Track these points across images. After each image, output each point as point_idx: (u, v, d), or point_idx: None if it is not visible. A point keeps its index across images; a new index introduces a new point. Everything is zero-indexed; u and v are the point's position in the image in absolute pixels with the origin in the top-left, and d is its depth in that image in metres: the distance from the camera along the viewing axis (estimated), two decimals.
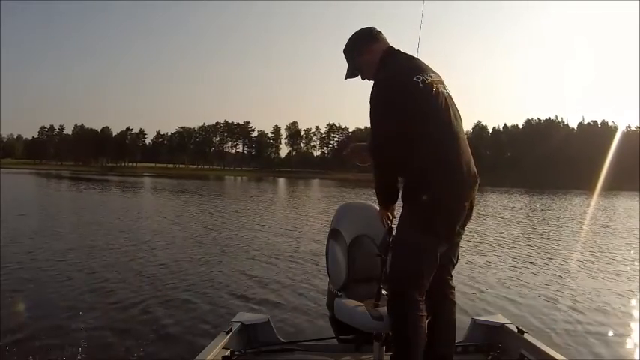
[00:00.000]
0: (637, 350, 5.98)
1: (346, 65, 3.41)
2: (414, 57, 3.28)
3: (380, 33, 3.34)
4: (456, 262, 3.36)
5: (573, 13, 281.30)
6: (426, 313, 3.03)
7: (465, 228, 3.23)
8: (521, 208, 32.37)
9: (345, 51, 3.39)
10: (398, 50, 3.28)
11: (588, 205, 37.50)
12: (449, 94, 3.15)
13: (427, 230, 2.98)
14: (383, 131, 3.04)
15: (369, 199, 4.09)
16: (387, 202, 3.30)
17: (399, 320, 3.03)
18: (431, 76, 3.09)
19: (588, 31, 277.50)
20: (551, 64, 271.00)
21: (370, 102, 3.07)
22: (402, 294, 3.00)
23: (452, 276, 3.37)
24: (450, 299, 3.33)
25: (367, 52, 3.27)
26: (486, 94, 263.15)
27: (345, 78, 3.44)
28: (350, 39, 3.37)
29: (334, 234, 3.84)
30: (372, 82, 3.18)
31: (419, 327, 3.00)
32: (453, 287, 3.39)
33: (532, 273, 10.32)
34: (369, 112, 3.08)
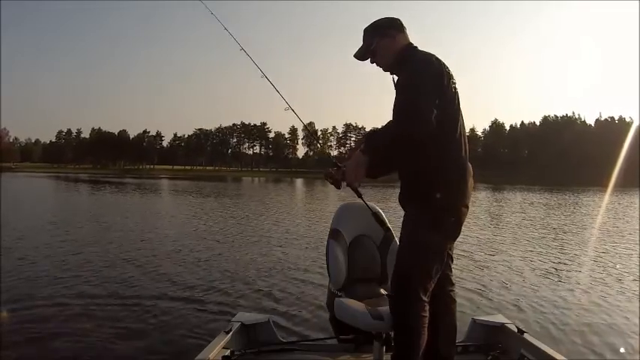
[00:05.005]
0: (638, 350, 5.91)
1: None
2: None
3: (405, 27, 3.31)
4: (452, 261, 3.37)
5: (581, 14, 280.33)
6: (428, 314, 3.04)
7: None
8: (536, 206, 32.15)
9: (366, 29, 3.34)
10: (417, 47, 3.25)
11: (602, 203, 37.08)
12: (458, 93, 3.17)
13: (439, 229, 3.03)
14: (424, 106, 2.85)
15: (369, 198, 4.06)
16: (375, 154, 3.06)
17: (402, 320, 3.04)
18: (450, 72, 3.11)
19: (595, 32, 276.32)
20: (565, 62, 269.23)
21: (408, 83, 3.03)
22: (408, 294, 3.00)
23: (452, 271, 3.39)
24: (450, 296, 3.34)
25: (389, 37, 3.24)
26: (503, 92, 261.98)
27: (354, 56, 3.37)
28: (376, 20, 3.34)
29: (334, 234, 3.86)
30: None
31: (421, 327, 3.01)
32: (454, 284, 3.39)
33: (535, 272, 10.24)
34: (401, 95, 3.07)
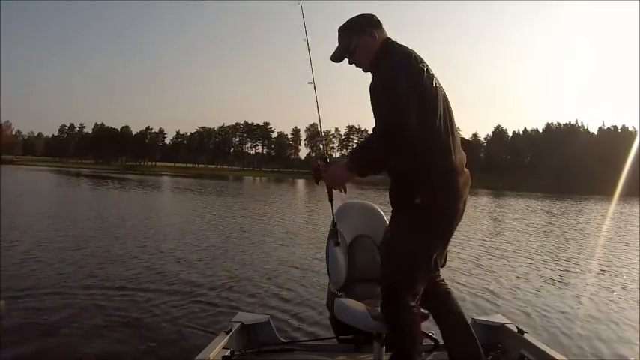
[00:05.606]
0: (637, 350, 5.95)
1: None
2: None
3: (382, 23, 3.14)
4: (443, 265, 3.22)
5: (578, 15, 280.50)
6: (419, 317, 3.00)
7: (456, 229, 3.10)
8: (539, 213, 32.17)
9: (342, 28, 3.16)
10: (396, 42, 3.10)
11: (605, 211, 37.20)
12: (444, 90, 3.02)
13: (425, 235, 2.90)
14: (398, 118, 2.70)
15: (369, 198, 4.06)
16: (363, 171, 2.93)
17: (395, 326, 3.00)
18: (429, 67, 2.97)
19: (589, 32, 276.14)
20: (562, 62, 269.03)
21: (380, 86, 2.87)
22: (397, 301, 2.94)
23: (439, 277, 3.29)
24: (444, 293, 3.27)
25: (369, 35, 3.06)
26: (506, 97, 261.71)
27: (331, 58, 3.19)
28: (353, 18, 3.16)
29: (334, 234, 3.83)
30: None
31: (415, 331, 2.98)
32: (443, 280, 3.32)
33: (536, 274, 10.45)
34: (375, 99, 2.88)
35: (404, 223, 2.96)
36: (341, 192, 3.15)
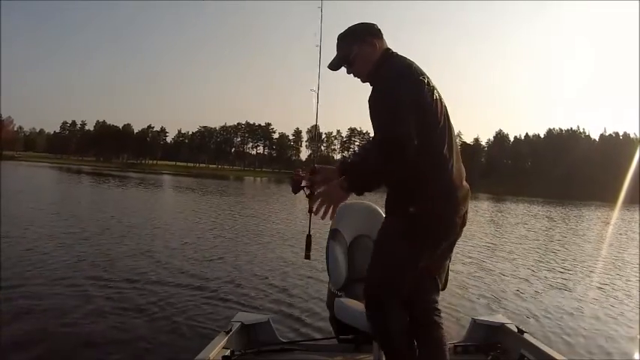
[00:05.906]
0: (637, 350, 5.97)
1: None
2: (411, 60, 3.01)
3: (382, 32, 3.08)
4: (444, 288, 3.18)
5: (578, 15, 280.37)
6: (404, 315, 2.96)
7: (454, 247, 3.07)
8: (540, 218, 32.19)
9: (342, 36, 3.09)
10: (396, 52, 3.06)
11: (606, 217, 37.28)
12: (444, 102, 2.96)
13: (411, 241, 2.84)
14: (399, 130, 2.64)
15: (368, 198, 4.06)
16: (360, 188, 2.80)
17: (379, 329, 2.98)
18: (430, 79, 2.92)
19: (589, 32, 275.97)
20: (562, 62, 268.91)
21: (379, 98, 2.81)
22: (382, 304, 2.91)
23: (437, 303, 3.16)
24: (433, 323, 3.09)
25: (370, 44, 3.00)
26: (506, 97, 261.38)
27: (328, 66, 3.11)
28: (353, 26, 3.10)
29: (334, 234, 3.86)
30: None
31: (400, 331, 2.94)
32: (439, 315, 3.15)
33: (537, 276, 10.55)
34: (375, 111, 2.81)
35: (395, 225, 2.92)
36: (315, 214, 3.04)
